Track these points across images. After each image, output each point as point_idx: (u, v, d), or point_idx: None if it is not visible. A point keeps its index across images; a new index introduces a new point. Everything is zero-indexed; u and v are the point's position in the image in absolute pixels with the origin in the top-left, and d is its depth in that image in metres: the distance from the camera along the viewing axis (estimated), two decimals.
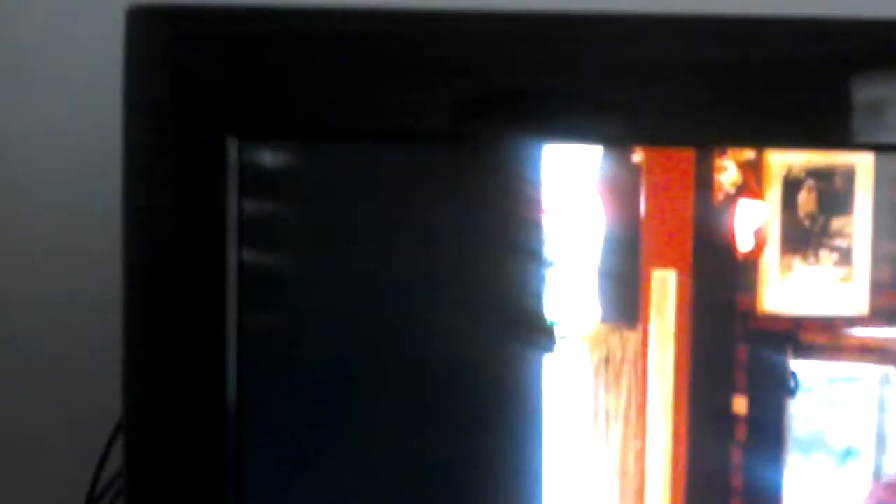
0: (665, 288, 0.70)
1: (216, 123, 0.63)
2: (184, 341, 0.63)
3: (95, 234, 0.79)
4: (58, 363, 0.90)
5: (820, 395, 0.71)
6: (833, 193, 0.68)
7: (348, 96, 0.63)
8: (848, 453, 0.71)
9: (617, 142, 0.67)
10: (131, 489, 0.64)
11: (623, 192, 0.69)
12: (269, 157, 0.65)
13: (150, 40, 0.62)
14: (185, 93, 0.63)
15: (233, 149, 0.63)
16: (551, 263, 0.68)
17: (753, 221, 0.69)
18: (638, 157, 0.68)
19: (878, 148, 0.65)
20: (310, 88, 0.63)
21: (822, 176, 0.68)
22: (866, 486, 0.69)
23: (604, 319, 0.70)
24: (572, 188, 0.68)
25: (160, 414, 0.63)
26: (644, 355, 0.70)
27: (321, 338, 0.66)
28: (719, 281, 0.70)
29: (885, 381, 0.71)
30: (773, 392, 0.70)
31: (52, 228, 0.90)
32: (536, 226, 0.67)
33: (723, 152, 0.68)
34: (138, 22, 0.62)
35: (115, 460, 0.74)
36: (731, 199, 0.69)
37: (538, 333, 0.68)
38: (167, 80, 0.63)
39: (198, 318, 0.63)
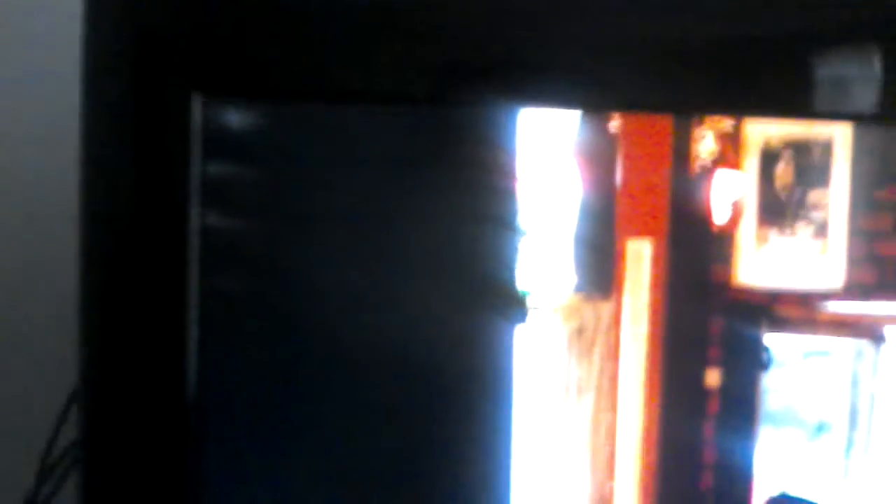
0: (640, 258, 0.69)
1: (180, 80, 0.61)
2: (142, 308, 0.61)
3: (52, 197, 0.77)
4: (11, 329, 0.88)
5: (793, 368, 0.71)
6: (810, 166, 0.68)
7: (318, 56, 0.61)
8: (820, 427, 0.71)
9: (595, 107, 0.65)
10: (87, 458, 0.62)
11: (599, 161, 0.68)
12: (234, 117, 0.63)
13: None
14: (147, 49, 0.61)
15: (197, 107, 0.61)
16: (525, 232, 0.67)
17: (730, 193, 0.68)
18: (615, 126, 0.67)
19: (857, 118, 0.65)
20: (278, 46, 0.61)
21: (800, 148, 0.68)
22: None
23: (577, 290, 0.69)
24: (548, 157, 0.67)
25: (117, 382, 0.61)
26: (617, 326, 0.69)
27: (285, 305, 0.65)
28: (695, 252, 0.69)
29: (859, 355, 0.71)
30: (746, 365, 0.70)
31: (4, 193, 0.87)
32: (511, 194, 0.66)
33: (701, 122, 0.67)
34: None
35: (70, 429, 0.72)
36: (708, 170, 0.68)
37: (511, 304, 0.67)
38: (129, 35, 0.60)
39: (157, 284, 0.61)
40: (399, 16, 0.62)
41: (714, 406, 0.69)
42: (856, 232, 0.68)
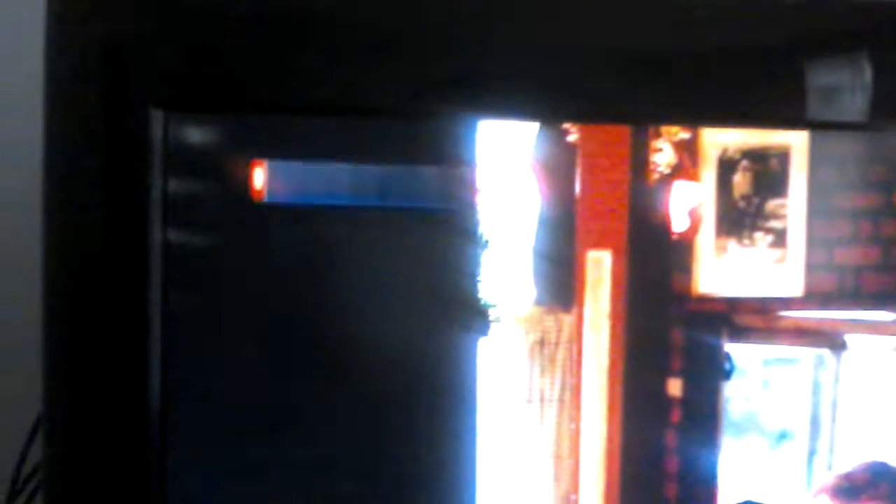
0: (600, 269, 0.69)
1: (140, 96, 0.61)
2: (106, 327, 0.61)
3: (13, 217, 0.76)
4: None
5: (755, 377, 0.71)
6: (768, 174, 0.68)
7: (277, 71, 0.62)
8: (782, 435, 0.71)
9: (553, 118, 0.66)
10: (51, 482, 0.62)
11: (558, 172, 0.68)
12: (195, 132, 0.63)
13: (72, 10, 0.61)
14: (107, 64, 0.61)
15: (157, 122, 0.61)
16: (486, 244, 0.67)
17: (689, 202, 0.69)
18: (573, 137, 0.68)
19: (814, 126, 0.65)
20: (239, 61, 0.62)
21: (757, 157, 0.68)
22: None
23: (539, 301, 0.70)
24: (508, 168, 0.67)
25: (81, 404, 0.61)
26: (579, 337, 0.69)
27: (248, 320, 0.65)
28: (654, 262, 0.69)
29: (820, 363, 0.71)
30: (708, 374, 0.70)
31: None
32: (471, 206, 0.66)
33: (658, 133, 0.68)
34: None
35: (37, 452, 0.72)
36: (666, 180, 0.68)
37: (473, 316, 0.67)
38: (89, 50, 0.61)
39: (120, 302, 0.61)
40: (359, 31, 0.62)
41: (676, 415, 0.70)
42: (814, 240, 0.69)
